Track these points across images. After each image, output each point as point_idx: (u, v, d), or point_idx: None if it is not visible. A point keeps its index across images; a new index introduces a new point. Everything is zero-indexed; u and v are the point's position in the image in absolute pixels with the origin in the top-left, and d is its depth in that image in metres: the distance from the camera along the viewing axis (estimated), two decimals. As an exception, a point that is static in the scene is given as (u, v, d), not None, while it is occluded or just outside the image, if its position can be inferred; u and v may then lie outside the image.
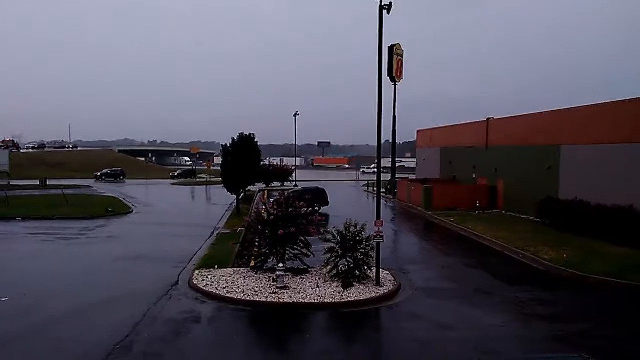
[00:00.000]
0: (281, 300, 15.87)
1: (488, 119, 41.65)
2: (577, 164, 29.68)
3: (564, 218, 27.85)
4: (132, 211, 39.19)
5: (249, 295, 16.25)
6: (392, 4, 17.43)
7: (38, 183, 59.49)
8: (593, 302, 16.74)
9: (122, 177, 75.76)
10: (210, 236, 27.74)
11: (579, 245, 23.64)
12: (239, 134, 36.44)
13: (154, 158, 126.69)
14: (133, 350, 12.08)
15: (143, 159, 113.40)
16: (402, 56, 51.45)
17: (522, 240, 25.29)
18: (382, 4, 17.35)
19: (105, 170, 76.40)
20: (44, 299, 16.27)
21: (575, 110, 30.84)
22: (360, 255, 17.89)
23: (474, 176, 43.12)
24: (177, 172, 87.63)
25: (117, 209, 38.86)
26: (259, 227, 19.85)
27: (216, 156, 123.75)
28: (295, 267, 19.25)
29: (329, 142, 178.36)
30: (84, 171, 79.88)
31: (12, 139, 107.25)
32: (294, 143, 77.78)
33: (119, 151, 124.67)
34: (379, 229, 17.69)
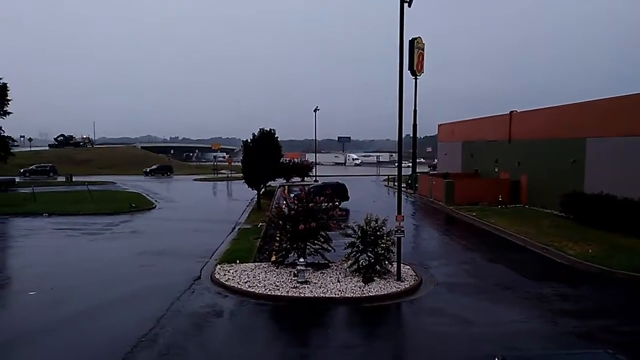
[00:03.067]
0: (302, 295, 15.95)
1: (511, 112, 41.00)
2: (603, 157, 29.06)
3: (590, 212, 27.32)
4: (155, 207, 39.76)
5: (270, 290, 16.37)
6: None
7: (64, 179, 60.83)
8: (619, 298, 16.41)
9: (169, 173, 79.60)
10: (232, 231, 27.99)
11: (604, 240, 23.19)
12: (260, 129, 36.67)
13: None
14: (157, 343, 12.30)
15: (165, 155, 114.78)
16: (423, 50, 50.96)
17: (546, 235, 24.92)
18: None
19: (153, 167, 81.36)
20: (71, 292, 16.66)
21: (601, 102, 30.16)
22: (381, 250, 17.84)
23: (496, 170, 42.58)
24: (152, 167, 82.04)
25: (141, 204, 39.46)
26: (280, 222, 19.94)
27: (237, 151, 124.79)
28: (316, 261, 19.31)
29: (349, 137, 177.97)
30: (109, 167, 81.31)
31: (88, 137, 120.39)
32: (314, 138, 77.84)
33: (142, 147, 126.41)
34: (399, 223, 17.61)
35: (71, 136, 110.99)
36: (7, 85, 46.18)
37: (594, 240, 23.13)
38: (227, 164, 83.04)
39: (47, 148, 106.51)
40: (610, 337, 12.75)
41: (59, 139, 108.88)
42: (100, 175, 72.80)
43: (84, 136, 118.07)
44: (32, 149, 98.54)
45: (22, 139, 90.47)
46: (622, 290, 17.16)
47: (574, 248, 21.92)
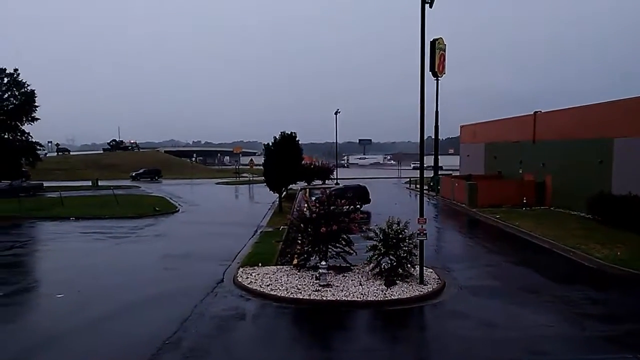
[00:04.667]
0: (324, 298, 15.95)
1: (535, 112, 40.37)
2: (631, 158, 28.38)
3: (618, 214, 26.71)
4: (179, 210, 40.26)
5: (292, 293, 16.41)
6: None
7: (90, 184, 62.10)
8: (649, 302, 15.98)
9: (156, 177, 78.39)
10: (254, 234, 28.16)
11: (633, 242, 22.66)
12: (281, 133, 36.85)
13: (198, 158, 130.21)
14: (181, 346, 12.43)
15: (188, 159, 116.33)
16: (444, 50, 50.59)
17: (572, 237, 24.43)
18: (424, -3, 17.10)
19: (141, 170, 79.31)
20: (97, 295, 16.97)
21: (629, 102, 29.47)
22: (403, 253, 17.75)
23: (520, 172, 41.94)
24: (139, 171, 79.24)
25: (165, 208, 40.01)
26: (302, 225, 19.98)
27: (258, 155, 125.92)
28: (338, 264, 19.29)
29: (370, 140, 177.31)
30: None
31: (135, 141, 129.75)
32: (335, 141, 77.82)
33: (165, 152, 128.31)
34: (422, 226, 17.49)
35: (122, 141, 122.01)
36: (35, 91, 47.34)
37: (622, 242, 22.59)
38: (249, 167, 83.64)
39: (102, 152, 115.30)
40: (640, 342, 12.42)
41: (111, 143, 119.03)
42: (124, 179, 74.00)
43: (132, 141, 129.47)
44: (84, 152, 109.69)
45: (49, 144, 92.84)
46: (653, 294, 16.71)
47: (601, 251, 21.44)
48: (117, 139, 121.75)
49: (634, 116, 28.65)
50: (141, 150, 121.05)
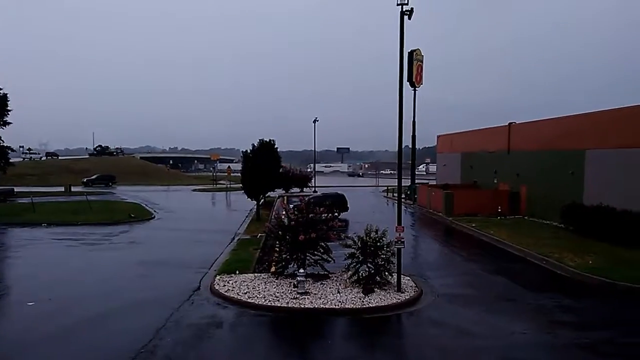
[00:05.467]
0: (302, 306, 15.88)
1: (510, 123, 41.16)
2: (602, 169, 29.14)
3: (589, 224, 27.33)
4: (154, 217, 39.68)
5: (270, 301, 16.30)
6: (414, 9, 17.41)
7: (63, 190, 60.78)
8: (621, 310, 16.35)
9: (110, 183, 75.21)
10: (231, 242, 27.92)
11: (604, 251, 23.18)
12: (259, 140, 36.70)
13: (178, 164, 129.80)
14: (157, 355, 12.20)
15: (164, 165, 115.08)
16: (421, 61, 51.22)
17: (546, 246, 24.89)
18: (404, 9, 17.32)
19: (94, 176, 75.95)
20: (69, 303, 16.55)
21: (600, 114, 30.29)
22: (381, 261, 17.82)
23: (495, 181, 42.63)
24: (91, 177, 75.71)
25: (139, 214, 39.39)
26: (280, 232, 19.91)
27: (236, 162, 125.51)
28: (316, 272, 19.25)
29: (348, 148, 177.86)
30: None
31: (120, 147, 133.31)
32: (314, 149, 77.95)
33: (141, 158, 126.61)
34: (399, 234, 17.60)
35: (107, 147, 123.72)
36: (7, 95, 46.35)
37: (594, 251, 23.11)
38: (226, 174, 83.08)
39: (88, 157, 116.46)
40: (612, 349, 12.69)
41: (97, 148, 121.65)
42: (99, 186, 72.62)
43: (117, 147, 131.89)
44: (69, 157, 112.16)
45: (21, 149, 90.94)
46: (623, 302, 17.12)
47: (574, 259, 21.88)
48: (103, 145, 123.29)
49: (604, 128, 29.45)
50: (125, 155, 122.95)
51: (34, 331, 13.90)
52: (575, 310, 16.15)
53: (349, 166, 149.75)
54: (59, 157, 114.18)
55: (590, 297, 17.76)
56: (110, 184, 75.49)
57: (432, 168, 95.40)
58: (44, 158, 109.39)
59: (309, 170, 76.52)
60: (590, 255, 22.40)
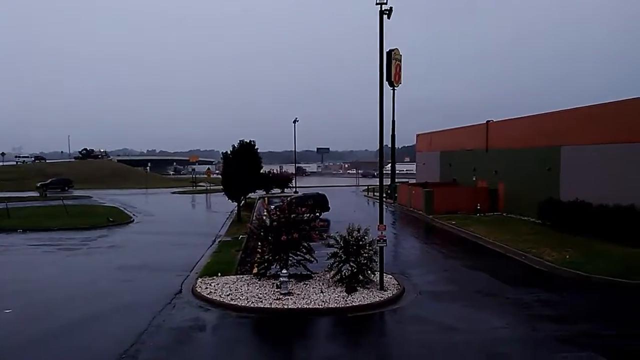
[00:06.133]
0: (285, 306, 15.85)
1: (487, 121, 41.74)
2: (577, 165, 29.74)
3: (566, 219, 27.89)
4: (133, 220, 39.17)
5: (252, 302, 16.22)
6: (393, 8, 17.52)
7: (38, 195, 59.55)
8: (597, 302, 16.71)
9: (66, 187, 69.85)
10: (212, 244, 27.71)
11: (581, 245, 23.65)
12: (239, 141, 36.54)
13: (150, 165, 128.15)
14: (139, 359, 12.05)
15: (142, 168, 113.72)
16: (400, 61, 51.56)
17: (524, 241, 25.31)
18: (383, 9, 17.42)
19: (48, 181, 69.54)
20: (48, 309, 16.24)
21: (574, 111, 30.93)
22: (364, 260, 17.88)
23: (474, 179, 43.16)
24: (45, 181, 69.18)
25: (118, 218, 38.82)
26: (262, 233, 19.85)
27: (215, 164, 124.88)
28: (299, 272, 19.22)
29: (328, 148, 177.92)
30: (83, 181, 79.85)
31: (105, 150, 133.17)
32: (294, 149, 77.86)
33: (119, 161, 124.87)
34: (381, 232, 17.70)
35: (92, 150, 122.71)
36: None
37: (571, 246, 23.56)
38: (206, 176, 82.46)
39: (74, 160, 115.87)
40: (591, 340, 12.94)
41: (82, 152, 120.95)
42: (75, 189, 71.31)
43: (101, 150, 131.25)
44: (57, 160, 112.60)
45: (2, 156, 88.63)
46: (600, 295, 17.48)
47: (551, 254, 22.29)
48: (88, 148, 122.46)
49: (579, 125, 30.06)
50: (112, 158, 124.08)
51: (11, 338, 13.59)
52: (554, 304, 16.44)
53: (318, 166, 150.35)
54: (47, 161, 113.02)
55: (567, 290, 18.09)
56: (67, 188, 70.06)
57: (406, 166, 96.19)
58: (34, 161, 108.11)
59: (284, 170, 76.24)
60: (567, 249, 22.84)
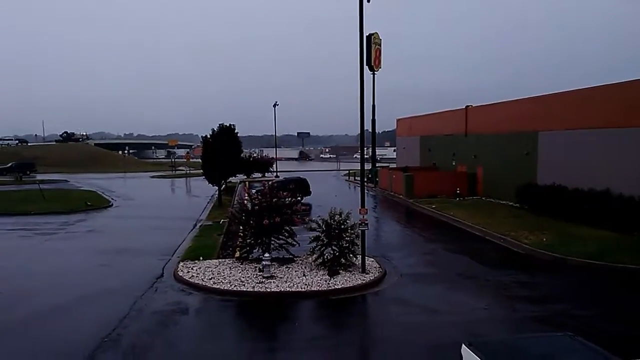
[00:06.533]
0: (268, 290, 15.90)
1: (467, 106, 42.05)
2: (553, 150, 30.23)
3: (543, 203, 28.45)
4: (112, 205, 38.66)
5: (235, 286, 16.23)
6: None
7: (13, 179, 58.23)
8: (573, 284, 17.16)
9: (28, 172, 65.65)
10: (193, 228, 27.54)
11: (557, 228, 24.16)
12: (219, 124, 36.13)
13: (131, 151, 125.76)
14: (121, 343, 11.99)
15: (120, 152, 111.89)
16: (380, 45, 51.47)
17: (503, 225, 25.74)
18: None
19: (9, 164, 66.92)
20: (26, 295, 15.99)
21: (550, 97, 31.34)
22: (346, 244, 17.99)
23: (453, 163, 43.59)
24: (6, 165, 66.48)
25: (96, 202, 38.26)
26: (243, 217, 19.80)
27: (195, 147, 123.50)
28: (281, 256, 19.27)
29: (309, 133, 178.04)
30: (60, 165, 78.35)
31: (86, 133, 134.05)
32: (274, 134, 77.46)
33: (95, 144, 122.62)
34: (363, 216, 17.81)
35: (73, 133, 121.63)
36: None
37: (548, 229, 24.06)
38: (185, 160, 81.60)
39: (54, 143, 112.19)
40: (567, 320, 13.30)
41: (63, 135, 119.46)
42: (51, 173, 69.91)
43: (83, 133, 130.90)
44: (38, 144, 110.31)
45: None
46: (575, 276, 17.94)
47: (529, 237, 22.74)
48: (69, 131, 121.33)
49: (555, 110, 30.50)
50: (89, 141, 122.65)
51: (-11, 324, 13.36)
52: (532, 286, 16.84)
53: (300, 152, 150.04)
54: (29, 144, 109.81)
55: (544, 272, 18.54)
56: (29, 172, 65.97)
57: (381, 151, 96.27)
58: (17, 144, 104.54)
59: (262, 154, 75.54)
60: (543, 233, 23.32)
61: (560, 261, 19.46)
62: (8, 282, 17.52)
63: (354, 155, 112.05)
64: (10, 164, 67.56)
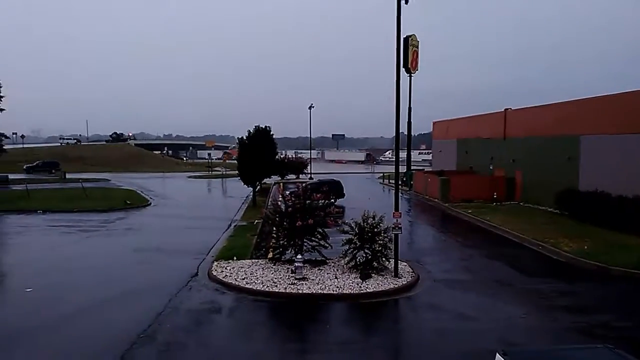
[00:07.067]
0: (300, 291, 15.94)
1: (506, 109, 41.15)
2: (597, 155, 29.20)
3: (584, 209, 27.49)
4: (150, 204, 39.57)
5: (268, 286, 16.34)
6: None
7: (57, 177, 60.41)
8: (615, 294, 16.52)
9: (53, 171, 67.84)
10: (228, 228, 27.91)
11: (599, 236, 23.33)
12: (255, 126, 36.52)
13: (170, 151, 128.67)
14: (156, 340, 12.26)
15: (159, 152, 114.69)
16: (417, 47, 50.94)
17: (541, 231, 25.03)
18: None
19: (35, 163, 70.62)
20: (68, 290, 16.57)
21: (595, 100, 30.30)
22: (378, 247, 17.86)
23: (491, 167, 42.70)
24: (32, 164, 70.25)
25: (135, 201, 39.28)
26: (277, 218, 19.92)
27: (231, 149, 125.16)
28: (313, 258, 19.30)
29: (343, 135, 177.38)
30: (102, 164, 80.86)
31: (132, 134, 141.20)
32: (309, 136, 77.73)
33: (136, 145, 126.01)
34: (397, 220, 17.64)
35: (122, 133, 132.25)
36: (0, 82, 45.90)
37: (589, 237, 23.26)
38: (222, 161, 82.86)
39: (105, 143, 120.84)
40: (608, 332, 12.82)
41: (112, 135, 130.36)
42: (93, 172, 72.25)
43: (130, 133, 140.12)
44: (89, 143, 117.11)
45: (14, 135, 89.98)
46: (618, 286, 17.27)
47: (569, 245, 22.03)
48: (118, 132, 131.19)
49: (598, 114, 29.46)
50: (130, 142, 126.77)
51: (33, 318, 13.88)
52: (572, 295, 16.30)
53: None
54: (81, 143, 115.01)
55: (585, 281, 17.91)
56: (54, 170, 68.07)
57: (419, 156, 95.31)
58: (75, 144, 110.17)
59: (301, 155, 75.72)
60: (585, 240, 22.54)
61: (602, 270, 18.76)
62: (50, 276, 18.19)
63: (386, 155, 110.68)
64: (36, 162, 72.02)
